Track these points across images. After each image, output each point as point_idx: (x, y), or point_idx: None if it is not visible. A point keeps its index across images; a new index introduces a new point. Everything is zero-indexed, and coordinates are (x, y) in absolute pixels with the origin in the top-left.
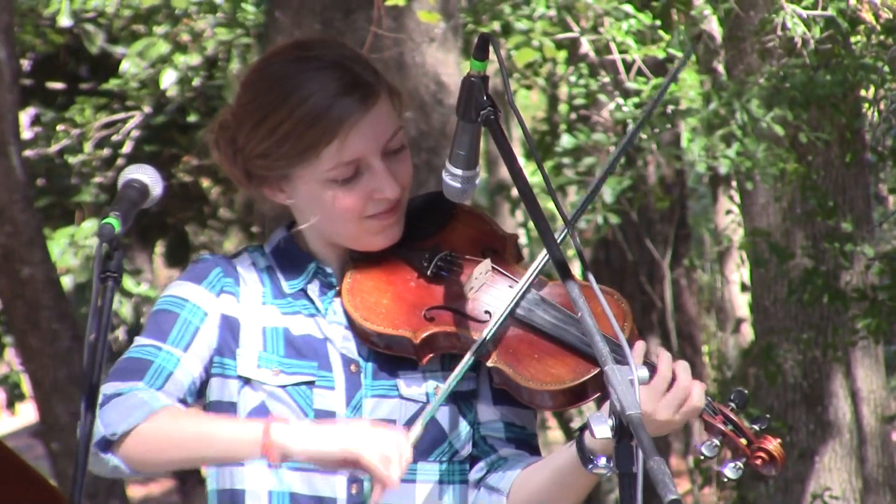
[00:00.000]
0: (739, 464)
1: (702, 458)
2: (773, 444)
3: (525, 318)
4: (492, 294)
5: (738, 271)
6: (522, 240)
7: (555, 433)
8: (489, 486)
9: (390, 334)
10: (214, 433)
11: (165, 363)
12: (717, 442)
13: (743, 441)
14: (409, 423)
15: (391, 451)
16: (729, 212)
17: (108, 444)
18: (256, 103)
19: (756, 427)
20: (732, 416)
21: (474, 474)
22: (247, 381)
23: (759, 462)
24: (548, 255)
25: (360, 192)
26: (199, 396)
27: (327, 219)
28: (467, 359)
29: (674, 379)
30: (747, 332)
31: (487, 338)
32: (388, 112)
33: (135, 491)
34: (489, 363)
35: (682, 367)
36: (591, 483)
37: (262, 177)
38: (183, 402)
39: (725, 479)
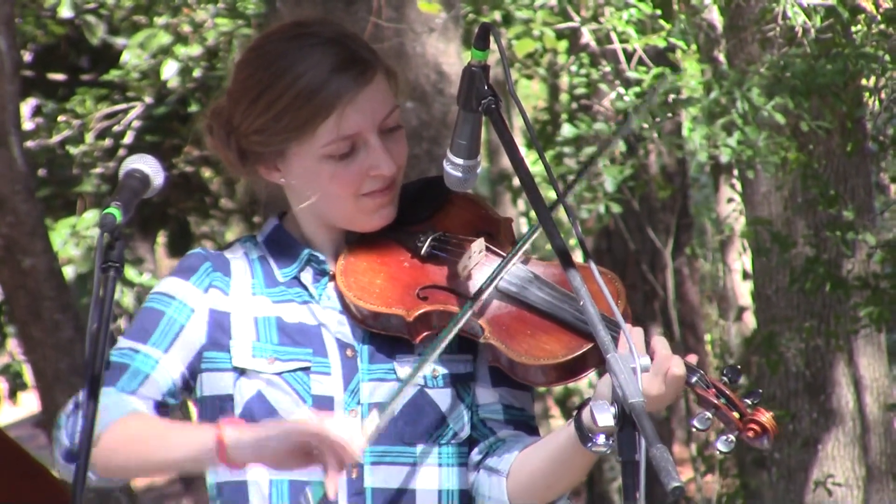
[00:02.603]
0: (732, 437)
1: (695, 429)
2: (765, 417)
3: (518, 295)
4: (485, 273)
5: (740, 260)
6: (524, 228)
7: (558, 421)
8: (489, 468)
9: (384, 313)
10: (171, 439)
11: (142, 366)
12: (708, 415)
13: (735, 414)
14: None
15: (346, 430)
16: (730, 200)
17: (73, 455)
18: (253, 80)
19: (749, 401)
20: (725, 389)
21: (473, 457)
22: (242, 371)
23: (751, 434)
24: (538, 226)
25: (357, 168)
26: (188, 392)
27: (322, 197)
28: (451, 328)
29: (653, 353)
30: (749, 321)
31: (470, 309)
32: (384, 90)
33: (137, 480)
34: (482, 340)
35: (659, 340)
36: (591, 461)
37: (258, 154)
38: (162, 404)
39: (719, 452)
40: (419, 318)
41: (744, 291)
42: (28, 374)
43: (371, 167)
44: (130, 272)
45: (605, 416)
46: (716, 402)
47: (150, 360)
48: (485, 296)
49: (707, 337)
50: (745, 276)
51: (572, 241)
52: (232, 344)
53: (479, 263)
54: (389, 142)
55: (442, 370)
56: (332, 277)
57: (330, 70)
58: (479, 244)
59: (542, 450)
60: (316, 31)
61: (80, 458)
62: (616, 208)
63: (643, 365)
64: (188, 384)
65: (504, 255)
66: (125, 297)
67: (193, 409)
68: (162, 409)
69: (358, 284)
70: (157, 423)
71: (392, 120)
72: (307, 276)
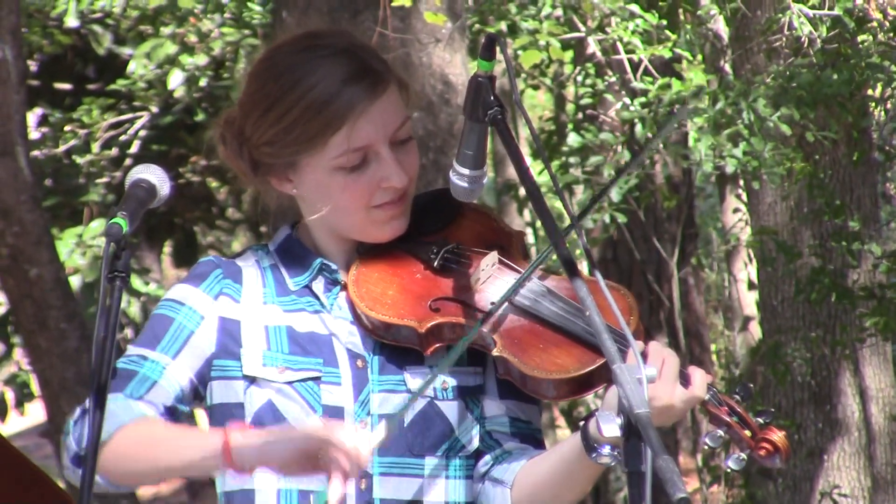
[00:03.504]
0: (743, 455)
1: (706, 448)
2: (777, 436)
3: (531, 309)
4: (498, 286)
5: (746, 270)
6: (530, 239)
7: (564, 432)
8: (493, 479)
9: (395, 324)
10: (179, 443)
11: (150, 372)
12: (721, 433)
13: (747, 432)
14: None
15: (352, 440)
16: (736, 210)
17: (81, 460)
18: (265, 91)
19: (761, 420)
20: (737, 407)
21: (479, 468)
22: (252, 380)
23: (763, 453)
24: (551, 248)
25: (368, 180)
26: (198, 400)
27: (334, 208)
28: (462, 343)
29: (663, 364)
30: (755, 331)
31: (482, 325)
32: (396, 101)
33: (143, 489)
34: (494, 352)
35: (669, 352)
36: (596, 473)
37: (269, 165)
38: (171, 409)
39: (729, 470)
40: (431, 330)
41: (749, 301)
42: (34, 384)
43: (382, 179)
44: (136, 282)
45: (611, 427)
46: (728, 420)
47: (158, 366)
48: (497, 312)
49: (713, 347)
50: (751, 286)
51: (577, 251)
52: (242, 352)
53: (492, 276)
54: (401, 153)
55: (452, 382)
56: (344, 287)
57: (341, 81)
58: (491, 257)
59: (546, 461)
60: (327, 42)
61: (86, 466)
62: (621, 218)
63: (649, 375)
64: (197, 391)
65: (516, 268)
66: (131, 307)
67: (201, 417)
68: (172, 414)
69: (370, 295)
70: (165, 427)
71: (404, 131)
72: (318, 286)
